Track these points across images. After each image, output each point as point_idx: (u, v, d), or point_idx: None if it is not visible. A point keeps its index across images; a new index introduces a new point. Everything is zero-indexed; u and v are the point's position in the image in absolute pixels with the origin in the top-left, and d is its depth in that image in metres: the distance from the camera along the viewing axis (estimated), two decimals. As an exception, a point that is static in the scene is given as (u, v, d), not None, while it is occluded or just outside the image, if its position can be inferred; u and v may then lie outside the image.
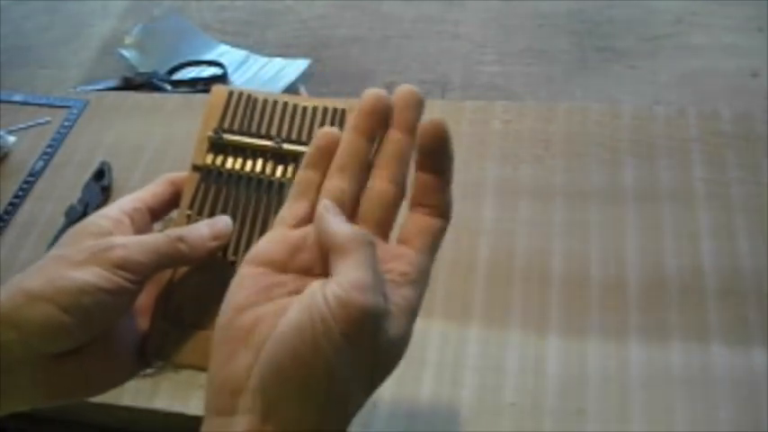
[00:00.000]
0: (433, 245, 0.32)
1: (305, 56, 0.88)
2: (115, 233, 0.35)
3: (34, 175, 0.73)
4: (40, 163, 0.74)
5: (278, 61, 0.89)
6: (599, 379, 0.51)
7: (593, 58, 0.83)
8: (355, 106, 0.36)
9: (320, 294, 0.27)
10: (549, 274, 0.57)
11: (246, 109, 0.41)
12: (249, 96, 0.41)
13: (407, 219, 0.33)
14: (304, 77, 0.86)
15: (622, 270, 0.56)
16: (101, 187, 0.69)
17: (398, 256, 0.31)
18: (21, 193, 0.71)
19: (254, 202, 0.38)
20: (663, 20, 0.86)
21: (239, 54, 0.91)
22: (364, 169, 0.33)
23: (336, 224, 0.30)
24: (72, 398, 0.35)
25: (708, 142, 0.64)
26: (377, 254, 0.29)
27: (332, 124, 0.39)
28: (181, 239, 0.35)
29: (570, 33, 0.87)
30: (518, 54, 0.86)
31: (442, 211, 0.33)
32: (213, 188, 0.39)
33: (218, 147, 0.40)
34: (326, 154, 0.34)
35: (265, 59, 0.90)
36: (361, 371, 0.27)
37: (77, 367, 0.33)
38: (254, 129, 0.40)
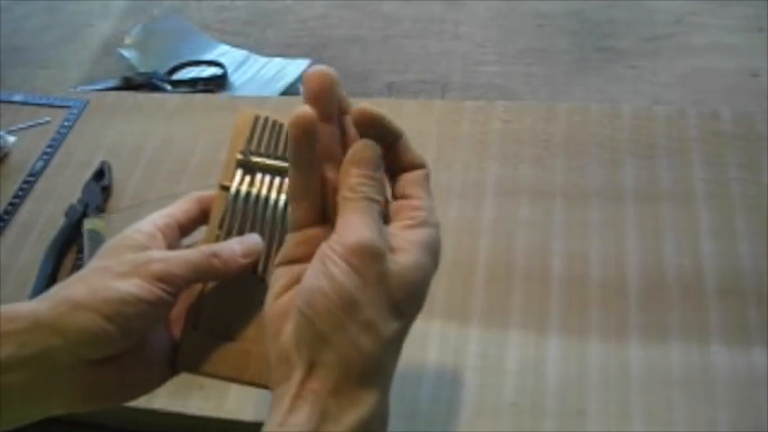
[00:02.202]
0: (427, 188, 0.35)
1: (305, 56, 0.88)
2: (150, 246, 0.37)
3: (34, 175, 0.73)
4: (40, 163, 0.74)
5: (278, 61, 0.89)
6: (599, 379, 0.51)
7: (593, 58, 0.83)
8: None
9: (325, 245, 0.31)
10: (549, 274, 0.57)
11: (272, 133, 0.42)
12: (275, 122, 0.42)
13: (396, 183, 0.35)
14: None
15: (622, 270, 0.56)
16: (101, 187, 0.69)
17: (403, 207, 0.34)
18: (21, 193, 0.71)
19: (279, 222, 0.40)
20: (663, 20, 0.86)
21: (239, 54, 0.91)
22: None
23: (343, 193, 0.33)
24: (107, 403, 0.36)
25: (708, 142, 0.64)
26: (377, 209, 0.32)
27: None
28: (215, 255, 0.37)
29: (570, 33, 0.87)
30: (518, 54, 0.86)
31: (420, 162, 0.35)
32: (241, 208, 0.40)
33: (245, 168, 0.41)
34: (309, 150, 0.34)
35: (265, 59, 0.90)
36: (377, 296, 0.30)
37: (115, 373, 0.35)
38: (279, 152, 0.41)
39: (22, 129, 0.78)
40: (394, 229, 0.33)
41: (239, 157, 0.41)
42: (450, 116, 0.70)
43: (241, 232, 0.39)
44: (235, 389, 0.53)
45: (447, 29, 0.91)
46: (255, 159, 0.41)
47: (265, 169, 0.41)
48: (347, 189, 0.32)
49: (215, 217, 0.40)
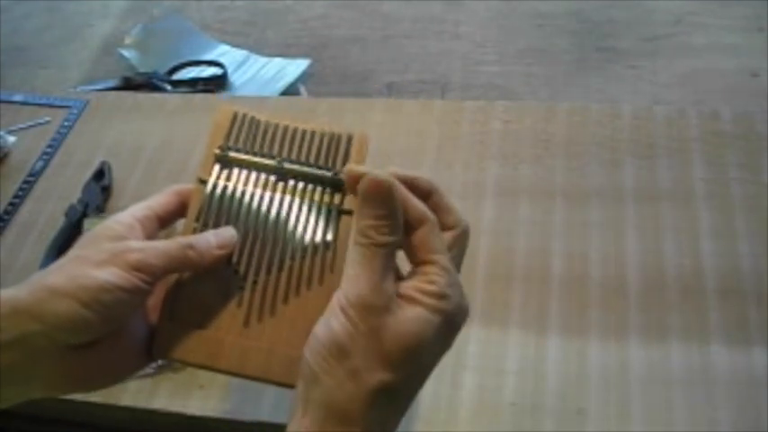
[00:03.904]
0: (442, 247, 0.35)
1: (305, 56, 0.88)
2: (128, 237, 0.37)
3: (34, 175, 0.73)
4: (40, 163, 0.74)
5: (278, 61, 0.89)
6: (599, 379, 0.51)
7: (593, 58, 0.83)
8: (355, 134, 0.42)
9: (335, 295, 0.34)
10: (549, 274, 0.57)
11: (250, 130, 0.43)
12: (253, 118, 0.43)
13: (413, 238, 0.36)
14: (304, 77, 0.86)
15: (622, 270, 0.56)
16: (101, 187, 0.69)
17: (424, 272, 0.35)
18: (21, 193, 0.71)
19: (255, 215, 0.41)
20: (663, 20, 0.86)
21: (239, 54, 0.91)
22: None
23: None
24: (85, 388, 0.37)
25: (708, 142, 0.64)
26: (384, 253, 0.33)
27: (329, 148, 0.42)
28: (190, 247, 0.38)
29: (570, 33, 0.87)
30: (518, 54, 0.86)
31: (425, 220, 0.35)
32: (217, 201, 0.41)
33: (223, 163, 0.42)
34: None
35: (265, 59, 0.90)
36: (368, 347, 0.32)
37: (93, 359, 0.36)
38: (257, 148, 0.42)
39: (22, 129, 0.78)
40: (410, 282, 0.34)
41: (217, 152, 0.42)
42: (451, 116, 0.70)
43: (217, 225, 0.40)
44: (234, 389, 0.53)
45: (447, 29, 0.91)
46: (233, 155, 0.42)
47: (242, 164, 0.42)
48: (357, 233, 0.34)
49: (192, 210, 0.41)
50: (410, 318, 0.33)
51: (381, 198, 0.34)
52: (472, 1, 0.94)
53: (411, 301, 0.33)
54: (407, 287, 0.34)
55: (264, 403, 0.52)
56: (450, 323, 0.34)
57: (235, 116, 0.43)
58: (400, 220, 0.34)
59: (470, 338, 0.54)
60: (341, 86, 0.86)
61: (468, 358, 0.53)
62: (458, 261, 0.37)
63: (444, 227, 0.36)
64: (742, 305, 0.53)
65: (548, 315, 0.54)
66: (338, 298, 0.33)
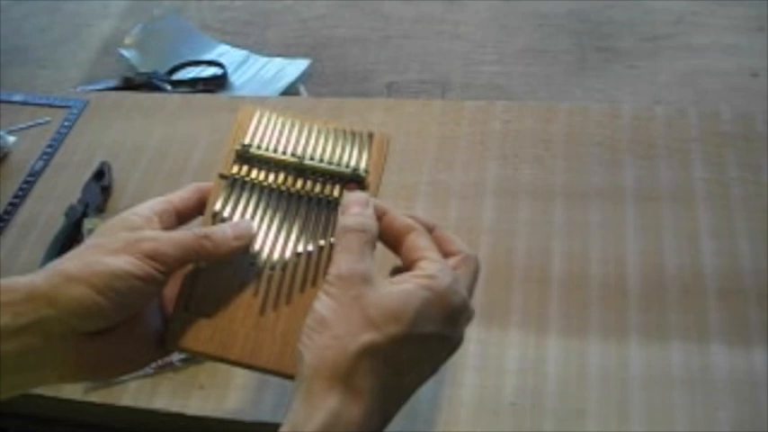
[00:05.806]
0: (431, 245, 0.38)
1: (305, 56, 0.88)
2: (145, 228, 0.38)
3: (34, 175, 0.73)
4: (40, 163, 0.74)
5: (278, 61, 0.89)
6: (599, 379, 0.51)
7: (593, 58, 0.83)
8: (376, 133, 0.43)
9: None
10: (549, 274, 0.57)
11: (273, 129, 0.44)
12: (276, 118, 0.44)
13: (402, 245, 0.39)
14: (304, 77, 0.86)
15: (622, 270, 0.56)
16: (101, 187, 0.69)
17: (416, 266, 0.37)
18: (21, 193, 0.71)
19: (274, 210, 0.41)
20: (663, 20, 0.86)
21: (239, 54, 0.91)
22: None
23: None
24: (98, 376, 0.38)
25: (708, 142, 0.64)
26: (362, 238, 0.37)
27: (350, 147, 0.43)
28: (206, 237, 0.38)
29: (570, 33, 0.87)
30: (518, 54, 0.86)
31: (411, 226, 0.39)
32: (237, 196, 0.41)
33: (244, 159, 0.42)
34: None
35: (265, 59, 0.90)
36: (349, 314, 0.34)
37: (107, 347, 0.36)
38: (277, 145, 0.43)
39: (22, 129, 0.78)
40: (403, 274, 0.36)
41: (238, 148, 0.42)
42: (450, 116, 0.70)
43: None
44: (234, 389, 0.53)
45: (447, 29, 0.91)
46: (254, 152, 0.42)
47: (263, 161, 0.42)
48: (339, 229, 0.37)
49: (212, 204, 0.41)
50: (394, 289, 0.34)
51: (357, 201, 0.38)
52: (472, 1, 0.94)
53: (399, 281, 0.35)
54: (400, 276, 0.36)
55: (264, 403, 0.52)
56: (440, 299, 0.35)
57: (258, 115, 0.44)
58: (373, 219, 0.38)
59: (470, 338, 0.54)
60: (341, 86, 0.86)
61: (468, 358, 0.53)
62: (468, 285, 0.38)
63: (448, 254, 0.39)
64: (742, 305, 0.53)
65: (548, 315, 0.54)
66: (322, 286, 0.35)
